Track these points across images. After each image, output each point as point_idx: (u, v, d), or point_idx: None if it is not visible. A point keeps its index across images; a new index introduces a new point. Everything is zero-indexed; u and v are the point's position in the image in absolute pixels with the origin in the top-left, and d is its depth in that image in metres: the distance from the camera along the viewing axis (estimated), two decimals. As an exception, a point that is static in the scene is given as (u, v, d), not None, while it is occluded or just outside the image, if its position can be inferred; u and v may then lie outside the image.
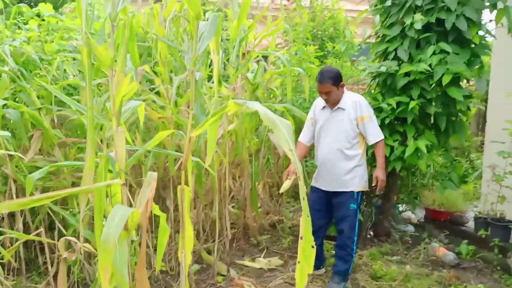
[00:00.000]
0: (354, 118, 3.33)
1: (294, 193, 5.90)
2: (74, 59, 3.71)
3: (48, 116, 3.47)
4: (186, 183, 1.54)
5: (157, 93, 3.55)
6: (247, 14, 3.84)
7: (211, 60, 4.01)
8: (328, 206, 3.50)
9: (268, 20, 4.47)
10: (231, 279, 3.48)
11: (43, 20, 4.05)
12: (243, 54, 4.11)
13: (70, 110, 3.45)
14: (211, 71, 3.92)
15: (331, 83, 3.26)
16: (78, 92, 3.75)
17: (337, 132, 3.36)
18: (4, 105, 3.19)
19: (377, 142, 3.39)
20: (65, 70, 3.62)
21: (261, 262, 3.83)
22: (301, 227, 1.06)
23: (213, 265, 3.58)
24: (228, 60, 3.96)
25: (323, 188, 3.46)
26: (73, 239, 1.51)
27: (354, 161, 3.35)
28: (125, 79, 1.25)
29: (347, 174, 3.33)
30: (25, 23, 4.11)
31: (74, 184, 3.40)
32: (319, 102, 3.53)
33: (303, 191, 1.13)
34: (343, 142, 3.35)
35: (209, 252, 3.85)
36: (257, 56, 4.52)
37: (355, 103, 3.34)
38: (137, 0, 4.44)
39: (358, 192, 3.35)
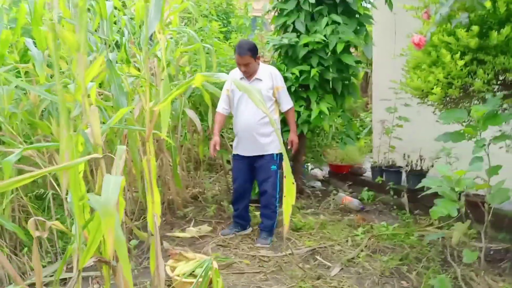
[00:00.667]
0: (270, 87, 3.63)
1: (208, 165, 6.14)
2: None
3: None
4: (150, 154, 1.67)
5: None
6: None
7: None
8: (250, 171, 3.79)
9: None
10: (166, 250, 3.63)
11: None
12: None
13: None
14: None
15: (249, 55, 3.49)
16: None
17: (253, 108, 3.56)
18: None
19: (289, 109, 3.77)
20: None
21: (191, 231, 4.02)
22: (285, 170, 1.32)
23: (146, 240, 3.68)
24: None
25: (245, 154, 3.73)
26: (42, 218, 1.57)
27: (271, 126, 3.64)
28: (98, 60, 1.33)
29: (266, 138, 3.63)
30: None
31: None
32: (235, 73, 3.73)
33: (280, 140, 1.38)
34: (257, 122, 3.60)
35: (139, 229, 3.93)
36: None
37: (271, 74, 3.64)
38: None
39: (277, 154, 3.68)
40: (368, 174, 5.46)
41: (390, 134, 4.86)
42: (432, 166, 4.34)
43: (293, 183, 1.33)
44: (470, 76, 2.73)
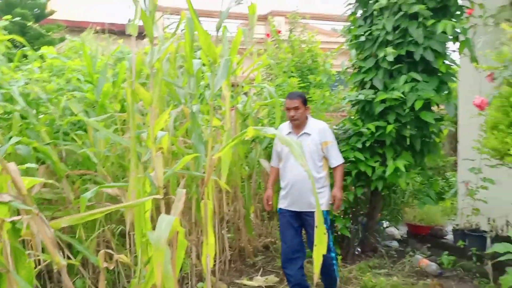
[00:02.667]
0: (319, 142, 3.56)
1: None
2: (74, 96, 3.98)
3: (55, 151, 3.71)
4: (208, 198, 1.82)
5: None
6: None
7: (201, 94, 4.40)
8: (299, 226, 3.62)
9: (254, 56, 4.86)
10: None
11: (44, 61, 4.35)
12: (232, 86, 4.48)
13: (75, 145, 3.72)
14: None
15: (300, 100, 3.56)
16: (81, 127, 4.03)
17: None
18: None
19: (337, 166, 3.67)
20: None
21: (259, 280, 4.07)
22: (316, 219, 1.38)
23: (214, 284, 3.80)
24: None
25: (292, 209, 3.58)
26: (111, 251, 1.77)
27: (320, 182, 3.57)
28: (164, 114, 1.55)
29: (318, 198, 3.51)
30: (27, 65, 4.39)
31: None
32: (284, 129, 3.74)
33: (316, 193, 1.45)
34: (310, 165, 3.47)
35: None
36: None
37: (319, 130, 3.61)
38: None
39: (326, 211, 3.58)
40: (449, 237, 5.12)
41: (473, 195, 4.57)
42: (521, 233, 3.97)
43: (324, 234, 1.37)
44: (553, 139, 2.57)
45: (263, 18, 12.94)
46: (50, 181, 3.17)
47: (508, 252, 2.45)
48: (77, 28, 10.32)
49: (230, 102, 4.09)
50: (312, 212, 3.45)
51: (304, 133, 3.60)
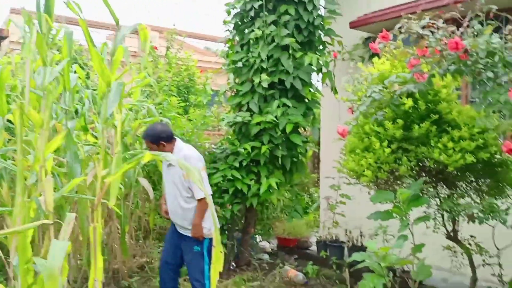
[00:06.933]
0: (181, 174, 3.37)
1: (158, 234, 6.13)
2: None
3: None
4: (97, 221, 1.80)
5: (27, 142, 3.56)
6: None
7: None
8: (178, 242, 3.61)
9: (133, 72, 4.81)
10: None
11: None
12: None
13: None
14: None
15: (148, 141, 3.47)
16: None
17: (173, 187, 3.48)
18: None
19: (200, 199, 3.37)
20: None
21: (135, 302, 3.98)
22: (214, 238, 1.49)
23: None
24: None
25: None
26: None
27: (192, 213, 3.43)
28: (60, 135, 1.50)
29: (189, 224, 3.44)
30: None
31: None
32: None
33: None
34: (178, 197, 3.46)
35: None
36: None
37: (184, 159, 3.26)
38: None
39: (203, 239, 3.45)
40: (313, 248, 5.64)
41: (334, 210, 5.15)
42: (372, 242, 4.60)
43: (221, 252, 1.51)
44: (396, 162, 3.09)
45: (136, 32, 12.71)
46: None
47: (364, 260, 2.86)
48: None
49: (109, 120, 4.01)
50: (184, 236, 3.51)
51: (170, 164, 3.45)
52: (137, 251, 5.26)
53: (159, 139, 3.46)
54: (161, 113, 4.93)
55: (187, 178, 3.38)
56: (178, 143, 3.57)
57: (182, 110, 5.46)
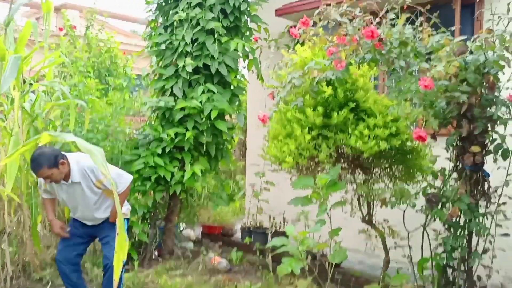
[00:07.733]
0: (92, 185, 3.23)
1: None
2: None
3: None
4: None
5: None
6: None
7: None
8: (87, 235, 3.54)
9: (46, 51, 4.45)
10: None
11: None
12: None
13: None
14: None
15: (46, 168, 2.95)
16: None
17: (85, 203, 3.31)
18: None
19: (121, 193, 3.24)
20: None
21: (47, 297, 3.73)
22: (117, 226, 1.39)
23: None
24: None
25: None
26: None
27: (107, 210, 3.38)
28: None
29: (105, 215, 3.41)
30: None
31: None
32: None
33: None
34: (93, 211, 3.35)
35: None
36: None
37: (84, 173, 3.17)
38: None
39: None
40: (238, 235, 5.66)
41: (258, 197, 5.18)
42: (294, 227, 4.69)
43: (125, 240, 1.42)
44: (316, 148, 3.15)
45: (56, 10, 11.87)
46: None
47: (283, 245, 2.90)
48: None
49: (16, 102, 3.68)
50: (100, 223, 3.43)
51: (72, 182, 3.18)
52: (52, 242, 4.94)
53: (56, 159, 2.98)
54: (77, 95, 4.62)
55: (99, 186, 3.23)
56: (69, 156, 3.14)
57: (101, 94, 5.15)
